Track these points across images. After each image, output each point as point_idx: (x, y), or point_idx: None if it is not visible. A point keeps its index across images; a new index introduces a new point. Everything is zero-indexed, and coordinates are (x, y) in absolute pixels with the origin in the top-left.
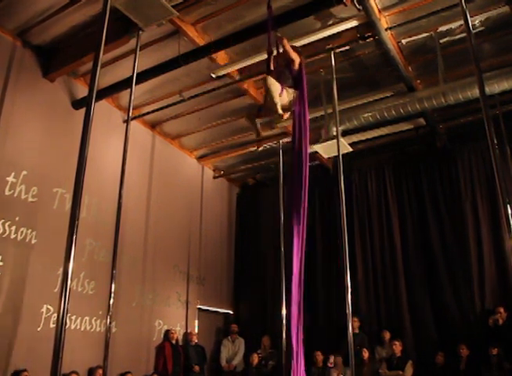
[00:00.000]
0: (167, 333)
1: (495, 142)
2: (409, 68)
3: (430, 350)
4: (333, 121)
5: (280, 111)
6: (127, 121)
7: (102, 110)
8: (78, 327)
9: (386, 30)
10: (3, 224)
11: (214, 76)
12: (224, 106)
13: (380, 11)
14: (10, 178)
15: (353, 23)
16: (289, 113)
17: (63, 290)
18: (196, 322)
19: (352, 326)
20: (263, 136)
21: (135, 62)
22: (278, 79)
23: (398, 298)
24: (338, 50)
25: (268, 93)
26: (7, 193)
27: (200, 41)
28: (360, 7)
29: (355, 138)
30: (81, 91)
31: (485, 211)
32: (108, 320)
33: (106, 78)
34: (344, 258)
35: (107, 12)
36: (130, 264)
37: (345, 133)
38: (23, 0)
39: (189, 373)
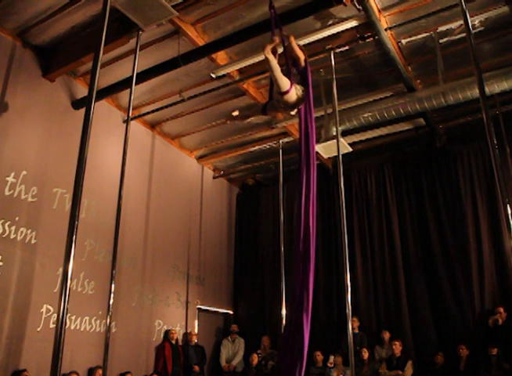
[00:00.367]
0: (167, 333)
1: (495, 142)
2: (409, 68)
3: (429, 350)
4: (333, 121)
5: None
6: (127, 121)
7: (102, 110)
8: (78, 327)
9: (386, 30)
10: (3, 224)
11: (213, 76)
12: (224, 106)
13: (379, 11)
14: (10, 179)
15: (353, 23)
16: (296, 110)
17: (62, 290)
18: (196, 322)
19: (352, 326)
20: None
21: (134, 62)
22: (287, 76)
23: (397, 298)
24: (338, 50)
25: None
26: (7, 193)
27: (200, 41)
28: (360, 7)
29: (355, 138)
30: (81, 91)
31: (485, 211)
32: (108, 320)
33: (105, 78)
34: (344, 258)
35: (107, 12)
36: (130, 264)
37: (345, 133)
38: (23, 0)
39: (189, 373)
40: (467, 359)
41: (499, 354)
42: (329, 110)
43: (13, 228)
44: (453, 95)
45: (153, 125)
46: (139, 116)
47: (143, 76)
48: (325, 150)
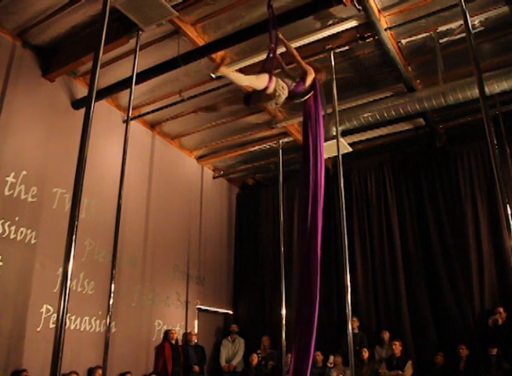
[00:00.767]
0: (167, 333)
1: (495, 142)
2: (409, 68)
3: (429, 350)
4: (333, 121)
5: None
6: (126, 121)
7: (102, 110)
8: (78, 327)
9: (385, 30)
10: (3, 224)
11: (213, 76)
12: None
13: (379, 11)
14: (10, 179)
15: (353, 24)
16: (281, 102)
17: (62, 290)
18: (196, 322)
19: (352, 326)
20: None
21: (134, 62)
22: (266, 71)
23: (397, 298)
24: (338, 50)
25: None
26: (7, 193)
27: (200, 41)
28: (360, 7)
29: (355, 138)
30: (81, 91)
31: (485, 211)
32: (108, 320)
33: (105, 78)
34: (344, 258)
35: (107, 12)
36: (129, 264)
37: (345, 133)
38: (23, 0)
39: (189, 373)
40: (467, 359)
41: (499, 354)
42: (329, 110)
43: (13, 228)
44: (453, 95)
45: (152, 125)
46: (139, 116)
47: (143, 76)
48: (325, 149)
